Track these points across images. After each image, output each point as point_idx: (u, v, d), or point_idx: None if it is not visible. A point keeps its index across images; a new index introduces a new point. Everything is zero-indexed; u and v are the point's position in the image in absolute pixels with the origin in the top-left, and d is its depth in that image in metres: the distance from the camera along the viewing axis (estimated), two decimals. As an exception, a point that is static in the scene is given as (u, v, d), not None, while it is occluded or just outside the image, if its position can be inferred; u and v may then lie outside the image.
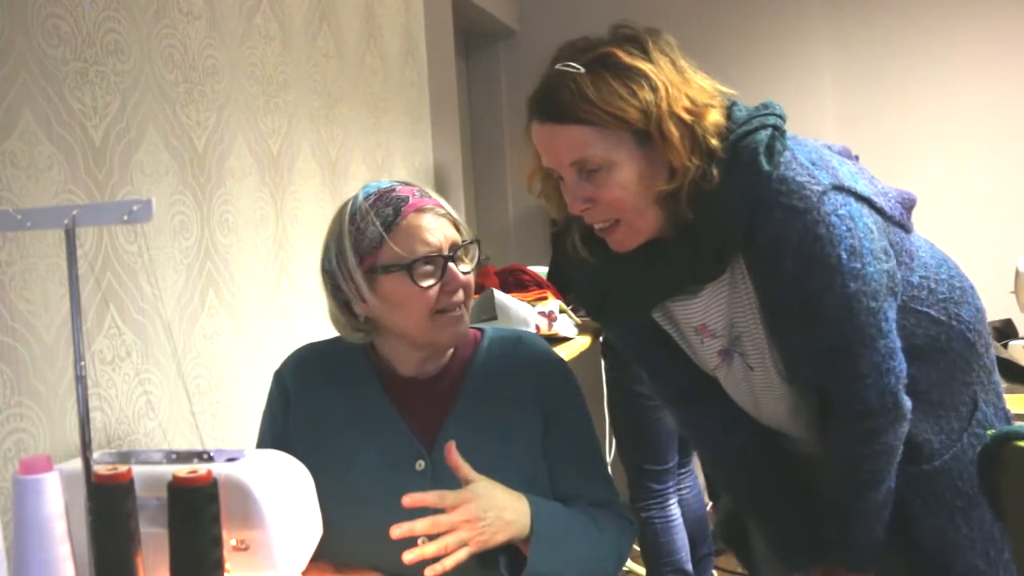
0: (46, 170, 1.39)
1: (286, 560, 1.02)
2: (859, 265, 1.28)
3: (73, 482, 0.96)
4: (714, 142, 1.27)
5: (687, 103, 1.25)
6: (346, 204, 1.41)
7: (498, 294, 2.63)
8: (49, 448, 1.37)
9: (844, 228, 1.27)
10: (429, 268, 1.34)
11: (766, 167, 1.26)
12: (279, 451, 1.20)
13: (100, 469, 0.93)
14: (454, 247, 1.37)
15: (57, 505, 0.92)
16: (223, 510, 0.95)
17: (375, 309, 1.37)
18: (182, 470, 0.95)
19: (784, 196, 1.26)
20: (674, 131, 1.24)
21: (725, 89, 1.33)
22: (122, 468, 0.93)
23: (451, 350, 1.45)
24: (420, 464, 1.37)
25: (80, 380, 0.94)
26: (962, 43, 3.74)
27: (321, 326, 2.15)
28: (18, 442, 1.33)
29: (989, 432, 1.43)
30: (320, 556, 1.27)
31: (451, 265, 1.36)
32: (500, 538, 1.25)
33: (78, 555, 0.94)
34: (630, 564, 3.45)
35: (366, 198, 1.37)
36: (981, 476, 1.40)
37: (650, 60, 1.26)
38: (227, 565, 0.96)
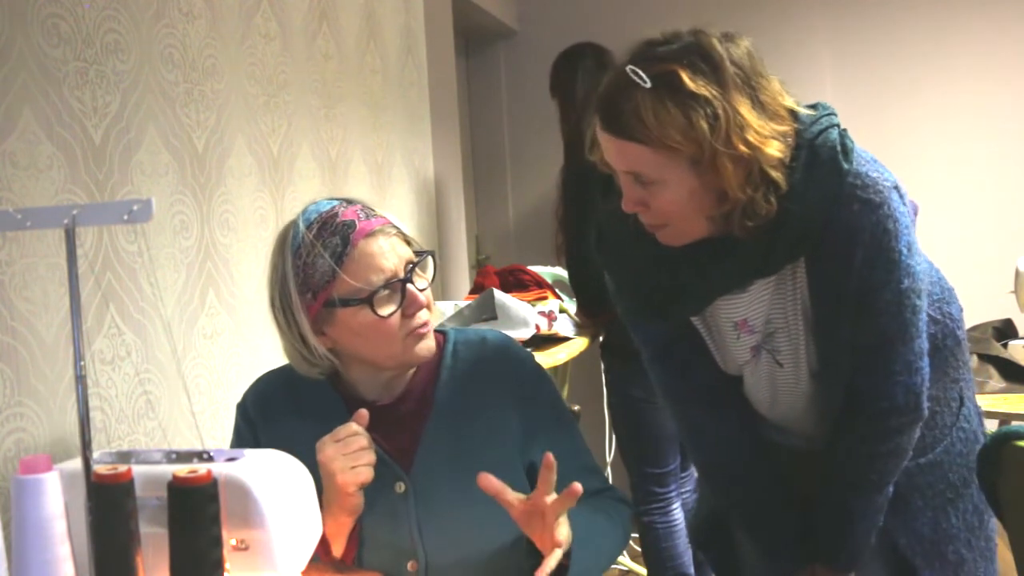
0: (46, 170, 1.39)
1: (286, 560, 1.02)
2: (912, 262, 1.33)
3: (73, 482, 0.96)
4: (774, 174, 1.26)
5: (748, 135, 1.23)
6: (287, 234, 1.34)
7: (498, 294, 2.63)
8: (49, 448, 1.37)
9: (904, 224, 1.32)
10: (387, 293, 1.31)
11: (845, 164, 1.29)
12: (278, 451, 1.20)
13: (100, 469, 0.93)
14: (409, 265, 1.33)
15: (57, 505, 0.92)
16: (223, 510, 0.95)
17: (336, 342, 1.34)
18: (182, 470, 0.95)
19: (861, 190, 1.29)
20: (728, 165, 1.23)
21: (790, 103, 1.32)
22: (122, 468, 0.93)
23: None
24: (400, 487, 1.34)
25: (80, 380, 0.93)
26: (962, 43, 3.74)
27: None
28: (18, 442, 1.33)
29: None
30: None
31: (410, 287, 1.32)
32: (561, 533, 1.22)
33: (78, 555, 0.94)
34: (631, 564, 3.45)
35: (308, 228, 1.31)
36: (980, 476, 1.41)
37: (718, 83, 1.23)
38: (227, 565, 0.96)
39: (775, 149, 1.26)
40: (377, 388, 1.39)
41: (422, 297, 1.33)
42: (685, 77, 1.22)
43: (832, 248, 1.31)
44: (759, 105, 1.26)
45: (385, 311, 1.30)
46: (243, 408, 1.44)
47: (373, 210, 1.36)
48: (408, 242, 1.36)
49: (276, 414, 1.41)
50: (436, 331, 1.44)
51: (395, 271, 1.31)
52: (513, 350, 1.46)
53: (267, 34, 2.03)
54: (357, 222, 1.31)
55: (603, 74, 3.15)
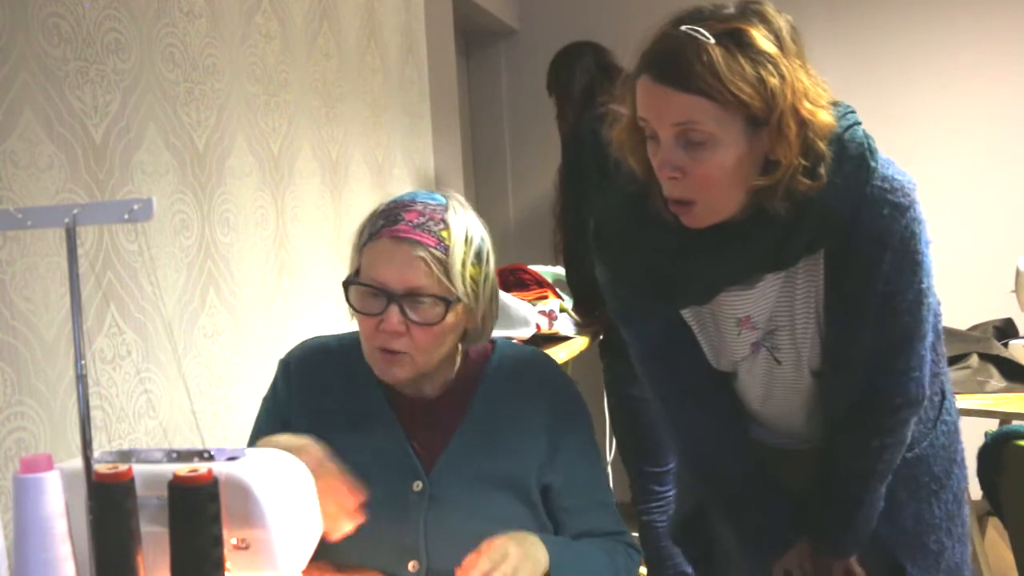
0: (46, 169, 1.39)
1: (287, 559, 1.02)
2: (929, 262, 1.34)
3: (74, 481, 0.96)
4: (821, 145, 1.24)
5: (807, 101, 1.22)
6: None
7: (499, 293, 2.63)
8: (50, 447, 1.37)
9: (924, 225, 1.33)
10: (371, 295, 1.29)
11: (872, 163, 1.29)
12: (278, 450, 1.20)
13: (101, 468, 0.93)
14: (410, 292, 1.27)
15: (58, 504, 0.92)
16: (224, 509, 0.95)
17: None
18: (183, 469, 0.94)
19: (890, 193, 1.29)
20: (792, 126, 1.21)
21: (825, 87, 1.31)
22: (123, 467, 0.93)
23: (457, 366, 1.42)
24: (417, 485, 1.34)
25: (80, 379, 0.93)
26: (962, 44, 3.74)
27: (321, 326, 2.15)
28: (18, 441, 1.33)
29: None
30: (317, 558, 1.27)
31: (393, 307, 1.27)
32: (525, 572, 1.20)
33: (78, 554, 0.94)
34: (630, 563, 3.45)
35: (386, 204, 1.35)
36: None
37: (781, 46, 1.22)
38: (227, 564, 0.96)
39: (827, 117, 1.25)
40: (416, 382, 1.39)
41: (395, 325, 1.27)
42: (754, 33, 1.20)
43: (860, 251, 1.30)
44: (810, 76, 1.26)
45: (356, 304, 1.31)
46: (286, 365, 1.45)
47: (429, 229, 1.29)
48: (447, 276, 1.28)
49: (316, 380, 1.42)
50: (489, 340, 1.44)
51: (384, 283, 1.28)
52: (557, 373, 1.47)
53: (268, 33, 2.03)
54: (401, 222, 1.30)
55: (602, 73, 3.10)
